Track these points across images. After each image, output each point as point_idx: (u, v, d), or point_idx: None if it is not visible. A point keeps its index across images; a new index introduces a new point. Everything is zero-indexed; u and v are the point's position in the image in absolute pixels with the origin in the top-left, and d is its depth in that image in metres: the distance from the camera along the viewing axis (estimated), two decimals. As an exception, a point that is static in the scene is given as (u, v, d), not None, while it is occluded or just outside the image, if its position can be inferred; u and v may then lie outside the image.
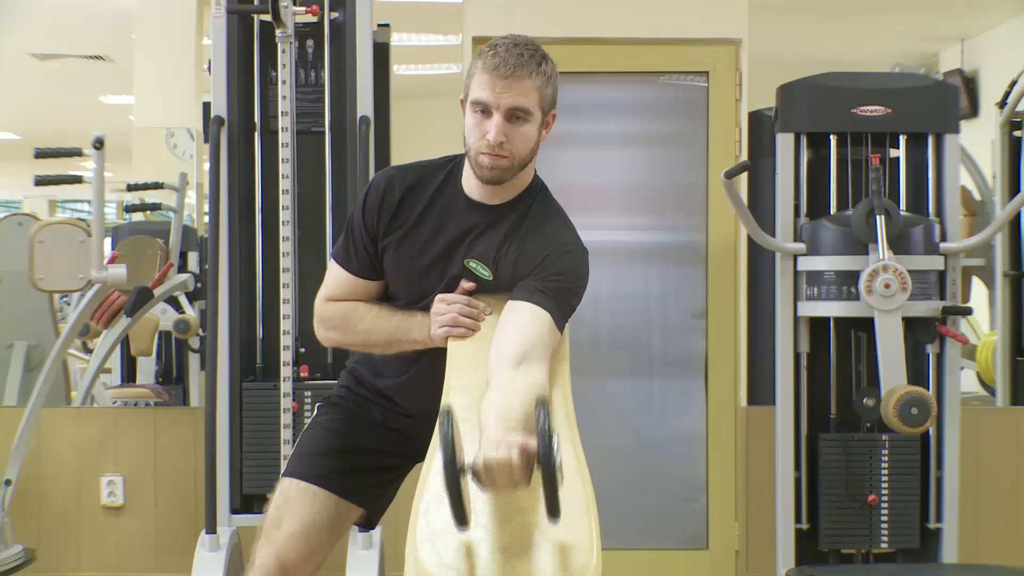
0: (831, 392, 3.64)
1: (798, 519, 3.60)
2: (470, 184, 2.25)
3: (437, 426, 1.71)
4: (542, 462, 1.64)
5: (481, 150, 2.15)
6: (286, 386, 3.54)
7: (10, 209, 7.43)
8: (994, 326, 4.52)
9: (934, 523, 3.59)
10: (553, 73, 2.19)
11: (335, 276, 2.33)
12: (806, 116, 3.65)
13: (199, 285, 4.46)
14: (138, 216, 5.01)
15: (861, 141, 3.62)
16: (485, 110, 2.14)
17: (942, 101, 3.67)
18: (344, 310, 2.31)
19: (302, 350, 3.64)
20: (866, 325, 3.50)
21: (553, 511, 1.65)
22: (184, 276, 4.36)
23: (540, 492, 1.66)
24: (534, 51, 2.15)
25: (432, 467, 1.85)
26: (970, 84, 5.41)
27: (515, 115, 2.14)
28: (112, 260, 3.78)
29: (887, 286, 3.39)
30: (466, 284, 2.22)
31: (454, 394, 2.05)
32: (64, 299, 4.84)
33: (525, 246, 2.21)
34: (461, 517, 1.66)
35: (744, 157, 4.12)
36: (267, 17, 3.52)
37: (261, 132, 3.68)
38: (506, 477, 1.70)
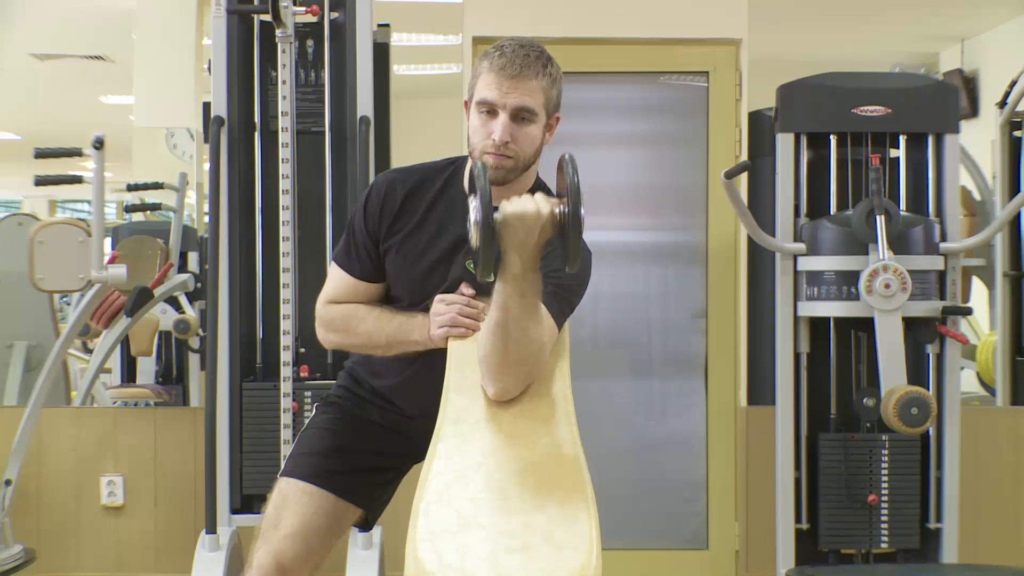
0: (831, 392, 3.64)
1: (798, 519, 3.60)
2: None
3: (473, 180, 1.94)
4: (571, 209, 1.88)
5: (486, 150, 2.16)
6: (286, 386, 3.54)
7: (10, 209, 7.42)
8: (994, 326, 4.52)
9: (934, 523, 3.59)
10: (558, 75, 2.20)
11: (336, 279, 2.33)
12: (806, 116, 3.65)
13: (199, 285, 4.46)
14: (138, 216, 5.01)
15: (861, 141, 3.62)
16: (491, 110, 2.14)
17: (942, 101, 3.67)
18: (345, 312, 2.31)
19: (302, 350, 3.64)
20: (866, 325, 3.50)
21: (573, 261, 1.92)
22: (184, 276, 4.36)
23: (539, 488, 1.67)
24: (540, 53, 2.17)
25: (432, 467, 1.86)
26: (970, 84, 5.41)
27: (521, 115, 2.15)
28: (112, 260, 3.78)
29: (887, 286, 3.39)
30: (467, 290, 2.22)
31: (454, 394, 2.05)
32: (64, 299, 4.84)
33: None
34: (489, 264, 1.89)
35: (744, 157, 4.12)
36: (267, 17, 3.52)
37: (261, 132, 3.68)
38: (534, 223, 1.89)
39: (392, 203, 2.26)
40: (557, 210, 1.92)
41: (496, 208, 1.91)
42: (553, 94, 2.19)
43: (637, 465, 4.28)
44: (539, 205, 1.91)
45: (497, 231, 1.89)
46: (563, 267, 2.18)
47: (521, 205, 1.91)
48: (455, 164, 2.30)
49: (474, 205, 1.87)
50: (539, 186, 2.30)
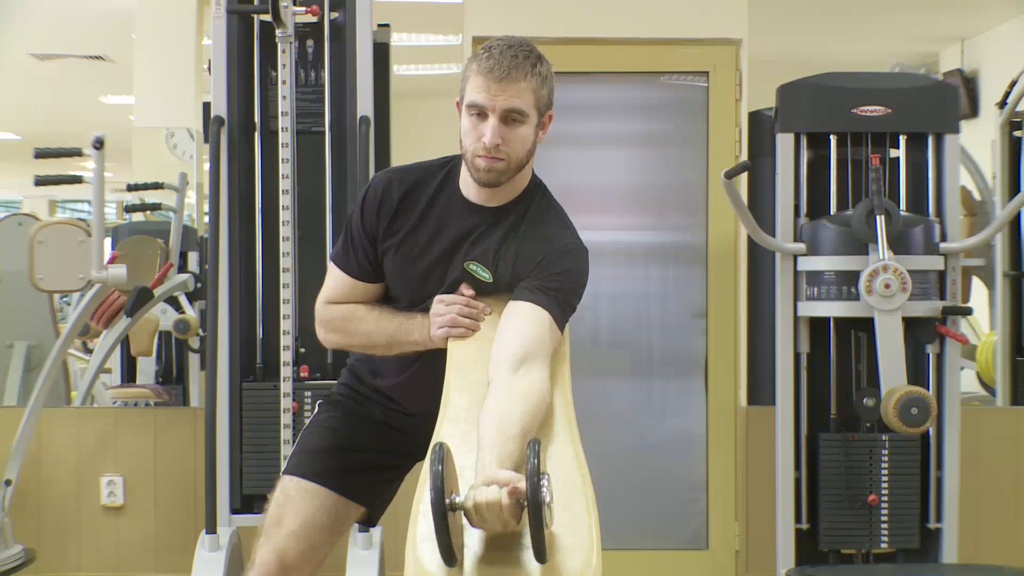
0: (831, 392, 3.63)
1: (798, 519, 3.60)
2: (468, 186, 2.25)
3: (427, 461, 1.69)
4: (530, 505, 1.62)
5: (477, 152, 2.15)
6: (286, 386, 3.54)
7: (10, 209, 7.43)
8: (994, 326, 4.52)
9: (934, 523, 3.59)
10: (548, 74, 2.19)
11: (335, 279, 2.33)
12: (806, 116, 3.65)
13: (199, 285, 4.46)
14: (138, 216, 5.01)
15: (861, 141, 3.62)
16: (481, 113, 2.13)
17: (942, 101, 3.67)
18: (345, 312, 2.31)
19: (302, 350, 3.64)
20: (866, 325, 3.50)
21: (539, 554, 1.64)
22: (184, 276, 4.36)
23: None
24: (529, 52, 2.15)
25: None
26: (970, 84, 5.42)
27: (511, 117, 2.13)
28: (112, 260, 3.78)
29: (887, 286, 3.39)
30: (466, 291, 2.22)
31: (454, 394, 2.05)
32: (64, 299, 4.84)
33: (524, 247, 2.21)
34: (448, 556, 1.65)
35: (744, 157, 4.12)
36: (267, 17, 3.52)
37: (261, 132, 3.68)
38: (496, 517, 1.68)
39: (389, 203, 2.26)
40: (523, 501, 1.69)
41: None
42: (543, 93, 2.17)
43: (637, 465, 4.28)
44: (504, 524, 1.69)
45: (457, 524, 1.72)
46: (563, 267, 2.19)
47: (485, 524, 1.70)
48: (452, 163, 2.29)
49: (429, 490, 1.65)
50: (534, 187, 2.29)
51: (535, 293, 2.14)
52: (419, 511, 1.75)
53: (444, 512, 1.62)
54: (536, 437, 1.84)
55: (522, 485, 1.67)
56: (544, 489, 1.63)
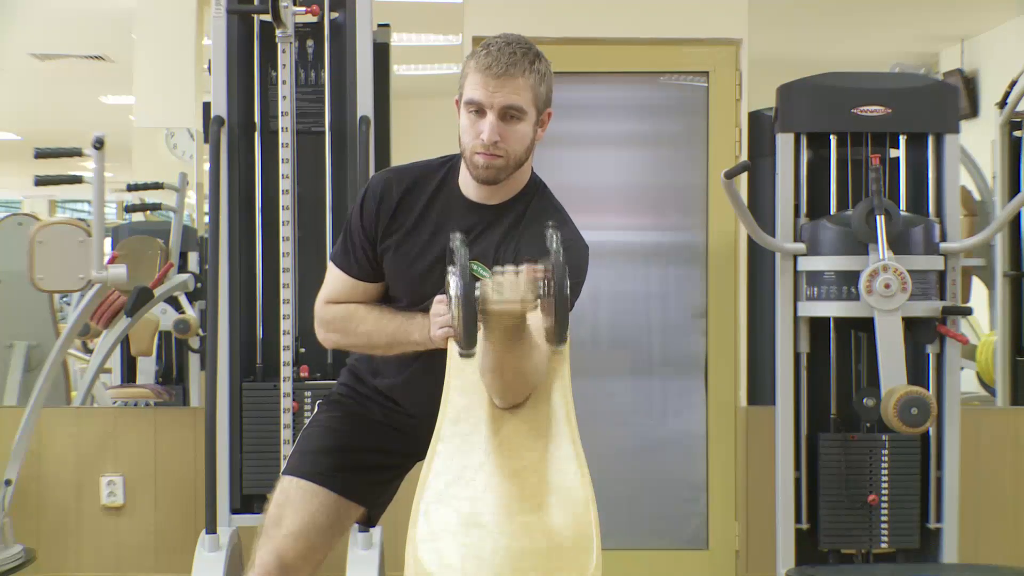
0: (831, 392, 3.63)
1: (798, 519, 3.60)
2: (467, 184, 2.25)
3: (452, 246, 1.85)
4: (555, 283, 1.78)
5: (476, 150, 2.15)
6: (286, 386, 3.54)
7: (10, 209, 7.43)
8: (994, 326, 4.52)
9: (934, 523, 3.59)
10: (547, 71, 2.19)
11: (334, 279, 2.33)
12: (806, 116, 3.65)
13: (199, 285, 4.46)
14: (138, 216, 5.01)
15: (861, 141, 3.62)
16: (479, 110, 2.14)
17: (942, 101, 3.67)
18: (344, 312, 2.31)
19: (302, 350, 3.64)
20: (866, 325, 3.50)
21: (560, 335, 1.82)
22: (184, 276, 4.36)
23: (539, 488, 1.66)
24: (527, 49, 2.15)
25: (432, 468, 1.86)
26: (970, 84, 5.41)
27: (509, 114, 2.14)
28: (112, 260, 3.78)
29: (887, 286, 3.39)
30: None
31: (454, 394, 2.05)
32: (64, 299, 4.84)
33: (524, 244, 2.21)
34: (470, 340, 1.81)
35: (744, 157, 4.12)
36: (267, 17, 3.52)
37: (261, 132, 3.68)
38: (514, 291, 1.84)
39: (389, 203, 2.26)
40: (542, 287, 1.84)
41: (478, 276, 1.89)
42: (542, 90, 2.18)
43: (637, 465, 4.28)
44: (523, 294, 1.86)
45: (478, 308, 1.83)
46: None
47: (503, 299, 1.85)
48: (451, 162, 2.29)
49: (453, 283, 1.80)
50: (533, 185, 2.29)
51: None
52: (419, 511, 1.76)
53: (473, 295, 1.78)
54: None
55: (540, 270, 1.83)
56: (566, 275, 1.80)
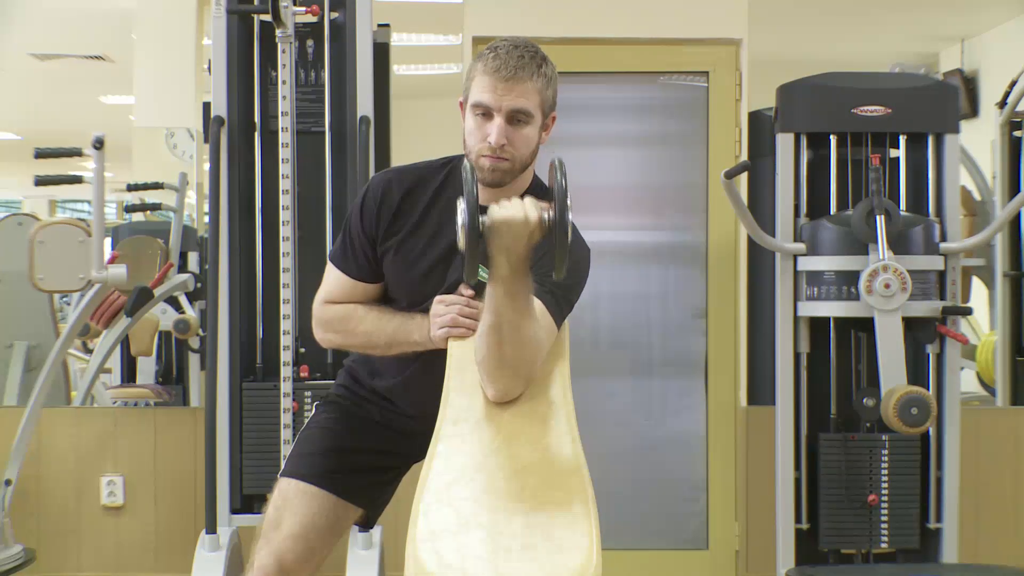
0: (831, 392, 3.63)
1: (798, 519, 3.60)
2: (469, 186, 2.24)
3: (461, 182, 1.87)
4: (557, 216, 1.82)
5: (482, 153, 2.15)
6: (286, 386, 3.54)
7: (10, 209, 7.43)
8: (994, 326, 4.52)
9: (934, 523, 3.59)
10: (553, 75, 2.19)
11: (333, 279, 2.32)
12: (806, 116, 3.65)
13: (199, 285, 4.46)
14: (138, 216, 5.01)
15: (861, 141, 3.62)
16: (486, 113, 2.13)
17: (942, 101, 3.67)
18: (343, 312, 2.30)
19: (302, 350, 3.64)
20: (866, 325, 3.50)
21: (560, 268, 1.87)
22: (184, 276, 4.36)
23: (539, 488, 1.66)
24: (534, 53, 2.15)
25: (432, 468, 1.86)
26: (970, 84, 5.42)
27: (516, 117, 2.14)
28: (112, 260, 3.78)
29: (887, 286, 3.39)
30: (466, 291, 2.22)
31: (454, 394, 2.05)
32: (64, 299, 4.84)
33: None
34: (474, 270, 1.87)
35: (744, 157, 4.12)
36: (267, 17, 3.52)
37: (261, 132, 3.68)
38: (519, 206, 1.87)
39: (389, 204, 2.25)
40: (546, 215, 1.88)
41: (484, 210, 1.89)
42: (548, 94, 2.18)
43: (637, 465, 4.28)
44: (527, 211, 1.87)
45: (484, 235, 1.87)
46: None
47: (508, 211, 1.88)
48: (451, 164, 2.29)
49: (461, 208, 1.85)
50: (536, 186, 2.29)
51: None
52: (419, 511, 1.75)
53: (478, 223, 1.83)
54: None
55: (545, 203, 1.87)
56: (568, 206, 1.83)
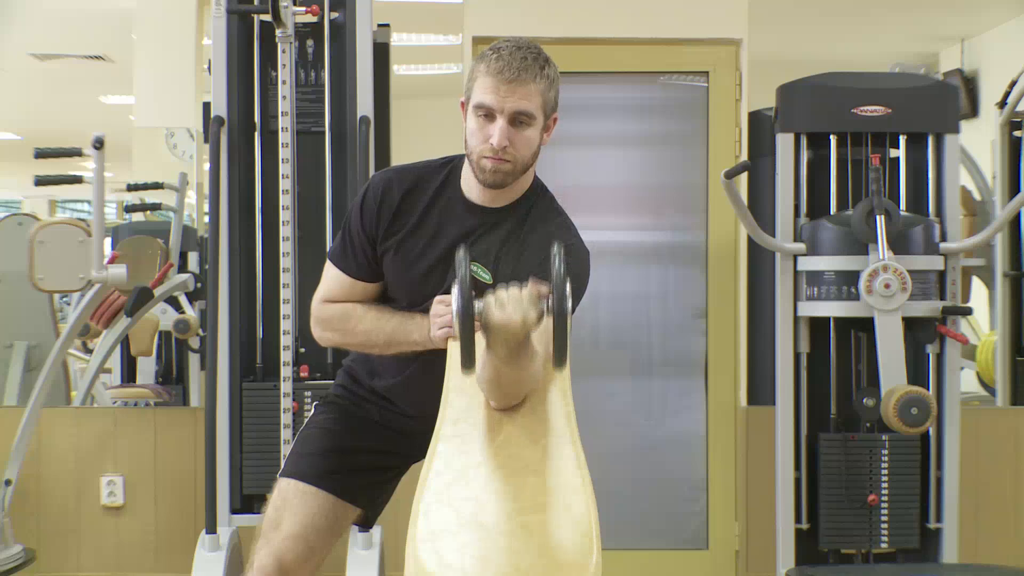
0: (831, 392, 3.63)
1: (798, 519, 3.60)
2: (470, 186, 2.24)
3: (457, 258, 1.84)
4: (555, 304, 1.76)
5: (484, 154, 2.14)
6: (286, 386, 3.54)
7: (10, 209, 7.42)
8: (994, 326, 4.52)
9: (934, 523, 3.59)
10: (555, 77, 2.19)
11: (332, 278, 2.32)
12: (806, 116, 3.65)
13: (199, 285, 4.46)
14: (138, 216, 5.01)
15: (861, 141, 3.62)
16: (488, 114, 2.13)
17: (942, 101, 3.67)
18: (342, 311, 2.30)
19: (302, 350, 3.64)
20: (866, 325, 3.50)
21: (560, 359, 1.80)
22: (184, 276, 4.36)
23: (539, 488, 1.66)
24: (537, 55, 2.15)
25: (432, 467, 1.86)
26: (970, 84, 5.42)
27: (519, 119, 2.13)
28: (112, 260, 3.78)
29: (887, 286, 3.39)
30: None
31: (453, 394, 2.05)
32: (64, 299, 4.84)
33: (525, 248, 2.21)
34: (469, 358, 1.79)
35: (744, 157, 4.12)
36: (267, 17, 3.52)
37: (261, 132, 3.68)
38: (516, 307, 1.83)
39: (389, 203, 2.25)
40: (544, 306, 1.83)
41: (481, 292, 1.86)
42: (551, 96, 2.18)
43: (637, 465, 4.28)
44: (525, 313, 1.84)
45: (480, 322, 1.82)
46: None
47: (506, 314, 1.84)
48: (452, 163, 2.29)
49: (455, 294, 1.79)
50: (535, 188, 2.29)
51: None
52: (419, 511, 1.75)
53: (473, 311, 1.78)
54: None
55: (544, 288, 1.83)
56: (567, 294, 1.78)
